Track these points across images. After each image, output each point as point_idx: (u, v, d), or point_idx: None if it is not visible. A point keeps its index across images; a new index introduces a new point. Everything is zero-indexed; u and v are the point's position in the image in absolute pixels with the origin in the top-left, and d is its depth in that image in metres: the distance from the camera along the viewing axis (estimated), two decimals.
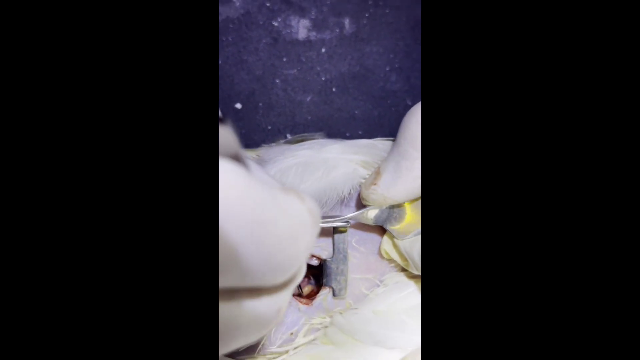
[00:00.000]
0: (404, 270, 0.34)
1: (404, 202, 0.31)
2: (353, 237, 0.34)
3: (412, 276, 0.33)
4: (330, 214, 0.33)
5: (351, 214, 0.31)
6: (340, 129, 0.42)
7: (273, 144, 0.36)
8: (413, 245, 0.31)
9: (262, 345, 0.32)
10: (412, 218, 0.31)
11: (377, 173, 0.30)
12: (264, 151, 0.35)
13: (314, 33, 0.40)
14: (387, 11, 0.40)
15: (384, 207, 0.31)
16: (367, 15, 0.40)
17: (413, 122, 0.28)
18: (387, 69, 0.41)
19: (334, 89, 0.41)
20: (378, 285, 0.33)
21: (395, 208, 0.31)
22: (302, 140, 0.36)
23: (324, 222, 0.31)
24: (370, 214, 0.31)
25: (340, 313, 0.32)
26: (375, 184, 0.30)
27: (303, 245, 0.18)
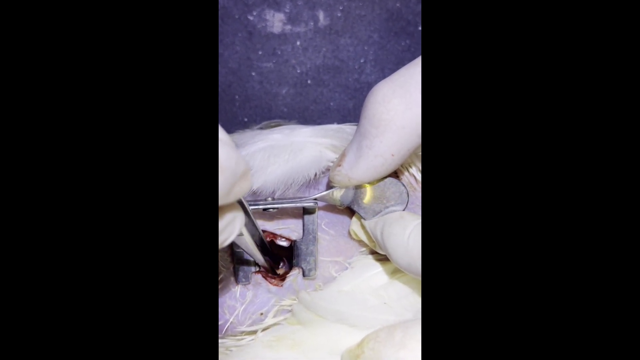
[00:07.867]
0: (373, 252, 0.34)
1: (368, 183, 0.31)
2: (323, 220, 0.34)
3: (379, 258, 0.34)
4: (299, 196, 0.33)
5: (318, 194, 0.32)
6: (315, 120, 0.43)
7: (247, 129, 0.37)
8: (377, 225, 0.31)
9: (230, 324, 0.33)
10: (372, 197, 0.31)
11: (342, 155, 0.31)
12: (238, 136, 0.36)
13: (288, 26, 0.41)
14: (360, 4, 0.41)
15: (350, 188, 0.32)
16: (341, 8, 0.41)
17: (372, 102, 0.28)
18: (362, 60, 0.42)
19: (309, 81, 0.42)
20: (347, 268, 0.34)
21: (361, 188, 0.32)
22: (276, 126, 0.37)
23: (290, 203, 0.32)
24: (337, 195, 0.32)
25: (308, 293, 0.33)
26: (340, 165, 0.31)
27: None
